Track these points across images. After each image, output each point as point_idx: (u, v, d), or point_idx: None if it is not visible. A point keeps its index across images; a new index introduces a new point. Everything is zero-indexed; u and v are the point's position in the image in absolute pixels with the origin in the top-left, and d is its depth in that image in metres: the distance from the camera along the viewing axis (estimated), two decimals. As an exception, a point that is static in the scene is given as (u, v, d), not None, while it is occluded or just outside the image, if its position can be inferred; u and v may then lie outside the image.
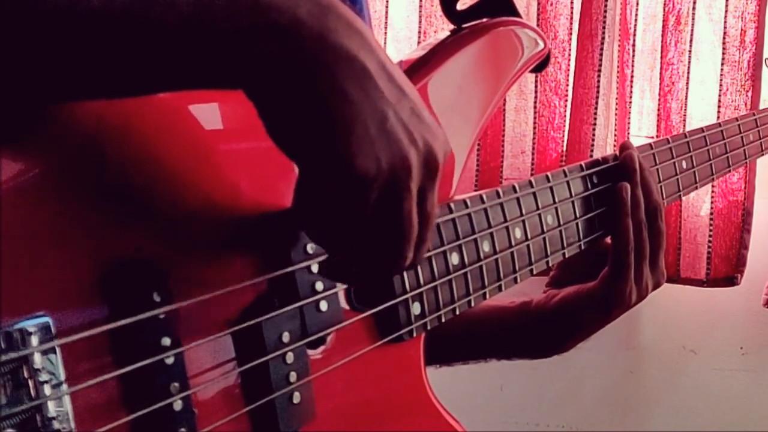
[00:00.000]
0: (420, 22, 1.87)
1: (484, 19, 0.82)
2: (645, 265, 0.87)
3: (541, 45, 0.85)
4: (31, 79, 0.44)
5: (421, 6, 1.87)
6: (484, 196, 0.76)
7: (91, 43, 0.43)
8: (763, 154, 1.19)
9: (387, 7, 1.87)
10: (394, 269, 0.54)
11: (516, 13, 0.83)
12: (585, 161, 0.88)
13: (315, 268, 0.61)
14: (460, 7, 0.82)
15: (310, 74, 0.47)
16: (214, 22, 0.45)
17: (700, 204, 1.91)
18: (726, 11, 1.90)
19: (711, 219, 1.90)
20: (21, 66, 0.43)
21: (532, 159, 1.92)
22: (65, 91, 0.46)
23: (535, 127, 1.91)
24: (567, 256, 0.85)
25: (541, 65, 0.86)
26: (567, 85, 1.91)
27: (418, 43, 1.87)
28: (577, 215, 0.86)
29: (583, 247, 0.87)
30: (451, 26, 0.83)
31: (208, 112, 0.57)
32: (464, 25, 0.82)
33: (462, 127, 0.78)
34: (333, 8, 0.48)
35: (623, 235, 0.86)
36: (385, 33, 1.87)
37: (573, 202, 0.85)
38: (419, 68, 0.75)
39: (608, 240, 0.89)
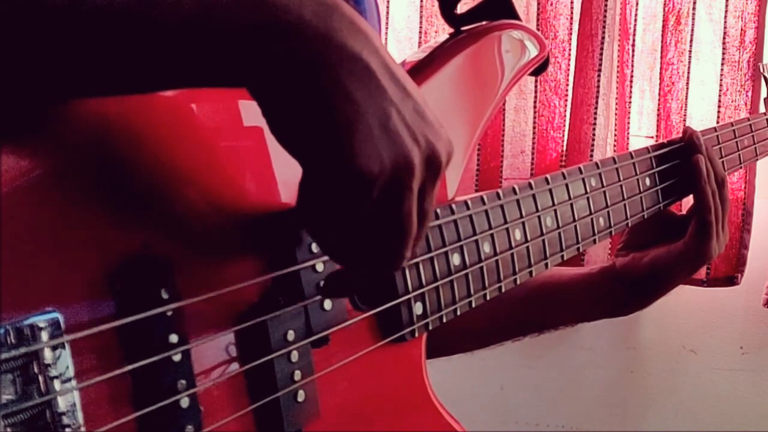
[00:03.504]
0: (421, 22, 1.88)
1: (483, 23, 0.82)
2: (721, 224, 0.99)
3: (540, 48, 0.86)
4: (35, 76, 0.44)
5: (421, 6, 1.87)
6: (485, 198, 0.76)
7: (94, 41, 0.43)
8: (757, 159, 1.21)
9: (388, 7, 1.88)
10: (391, 267, 0.54)
11: (515, 16, 0.83)
12: (583, 164, 0.89)
13: (320, 267, 0.61)
14: (459, 10, 0.82)
15: (314, 73, 0.47)
16: (218, 20, 0.45)
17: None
18: (726, 11, 1.91)
19: (711, 219, 1.90)
20: (25, 64, 0.43)
21: (532, 159, 1.92)
22: (70, 88, 0.46)
23: (535, 127, 1.92)
24: (570, 255, 0.86)
25: (540, 68, 0.86)
26: (567, 85, 1.91)
27: (419, 43, 1.87)
28: (576, 218, 0.87)
29: (581, 250, 0.88)
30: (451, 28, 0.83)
31: (213, 110, 0.57)
32: (463, 28, 0.82)
33: (461, 130, 0.78)
34: (337, 8, 0.48)
35: (705, 198, 0.98)
36: (386, 33, 1.88)
37: (572, 205, 0.86)
38: (418, 71, 0.75)
39: (671, 209, 1.03)
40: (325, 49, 0.47)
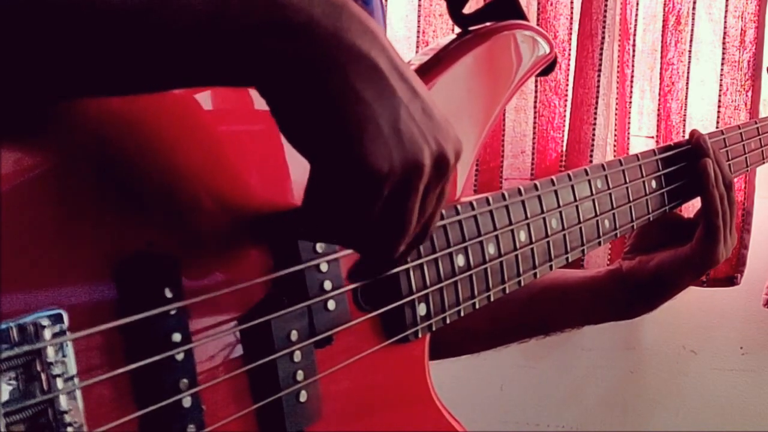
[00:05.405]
0: (419, 21, 1.87)
1: (491, 23, 0.82)
2: (728, 229, 1.00)
3: (548, 49, 0.86)
4: (44, 74, 0.44)
5: (420, 6, 1.87)
6: (490, 198, 0.76)
7: (104, 40, 0.43)
8: (764, 162, 1.21)
9: (386, 6, 1.87)
10: (383, 261, 0.55)
11: (523, 17, 0.83)
12: (589, 166, 0.89)
13: (324, 267, 0.61)
14: (467, 10, 0.82)
15: (323, 73, 0.47)
16: (228, 20, 0.45)
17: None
18: (726, 11, 1.91)
19: (711, 219, 1.90)
20: (34, 62, 0.43)
21: (532, 159, 1.92)
22: (77, 88, 0.46)
23: (535, 127, 1.92)
24: (575, 257, 0.86)
25: (547, 69, 0.86)
26: (567, 85, 1.91)
27: (417, 42, 1.87)
28: (581, 220, 0.87)
29: (586, 252, 0.87)
30: (456, 28, 0.83)
31: (219, 108, 0.57)
32: (471, 29, 0.82)
33: (468, 130, 0.78)
34: (346, 8, 0.48)
35: (713, 202, 0.98)
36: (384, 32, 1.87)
37: (577, 207, 0.86)
38: (426, 71, 0.75)
39: (677, 212, 1.03)
40: (335, 49, 0.47)
